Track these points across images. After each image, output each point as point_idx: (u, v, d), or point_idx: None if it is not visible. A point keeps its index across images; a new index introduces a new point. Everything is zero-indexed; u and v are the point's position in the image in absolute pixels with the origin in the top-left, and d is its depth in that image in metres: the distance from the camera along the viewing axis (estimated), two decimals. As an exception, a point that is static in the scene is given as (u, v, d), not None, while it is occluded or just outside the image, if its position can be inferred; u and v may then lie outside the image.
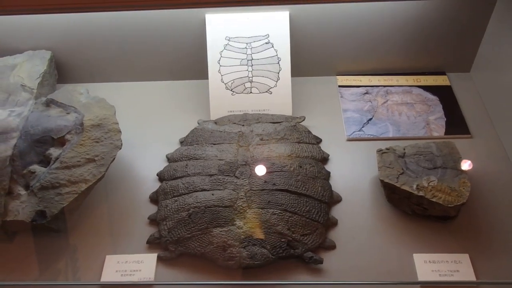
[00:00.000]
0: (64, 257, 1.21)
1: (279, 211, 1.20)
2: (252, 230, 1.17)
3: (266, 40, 1.51)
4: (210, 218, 1.20)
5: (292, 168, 1.30)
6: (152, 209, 1.30)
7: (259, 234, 1.17)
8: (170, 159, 1.41)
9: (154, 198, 1.32)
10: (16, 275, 1.18)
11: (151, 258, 1.19)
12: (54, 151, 1.28)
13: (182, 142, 1.46)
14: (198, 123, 1.50)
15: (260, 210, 1.20)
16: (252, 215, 1.19)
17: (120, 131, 1.31)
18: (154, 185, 1.35)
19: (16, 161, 1.25)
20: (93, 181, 1.22)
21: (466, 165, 1.25)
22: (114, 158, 1.27)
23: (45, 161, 1.27)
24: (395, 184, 1.21)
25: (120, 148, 1.28)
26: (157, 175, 1.38)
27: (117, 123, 1.33)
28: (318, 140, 1.45)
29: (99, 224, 1.28)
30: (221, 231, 1.18)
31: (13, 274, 1.18)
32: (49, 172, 1.23)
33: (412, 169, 1.25)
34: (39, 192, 1.21)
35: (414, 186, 1.20)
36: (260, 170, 1.29)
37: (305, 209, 1.22)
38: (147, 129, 1.51)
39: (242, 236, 1.16)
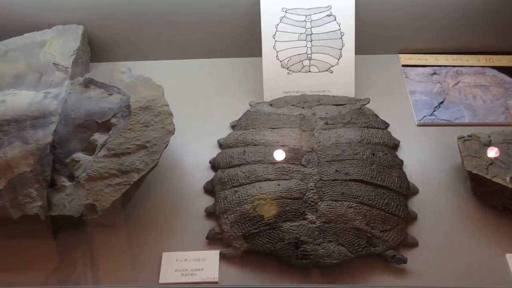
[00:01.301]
0: (116, 255, 1.14)
1: (356, 204, 1.13)
2: (326, 225, 1.10)
3: (328, 12, 1.42)
4: (278, 211, 1.12)
5: (364, 156, 1.22)
6: (208, 200, 1.23)
7: (335, 229, 1.09)
8: (223, 145, 1.33)
9: (209, 188, 1.25)
10: (59, 276, 1.11)
11: (213, 255, 1.12)
12: (99, 137, 1.21)
13: (234, 126, 1.39)
14: (250, 105, 1.43)
15: (334, 202, 1.13)
16: (325, 208, 1.12)
17: (171, 114, 1.24)
18: (207, 174, 1.29)
19: (58, 149, 1.19)
20: (146, 170, 1.15)
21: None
22: (167, 144, 1.19)
23: (90, 148, 1.20)
24: (485, 176, 1.13)
25: (173, 133, 1.21)
26: (210, 162, 1.31)
27: (168, 105, 1.25)
28: (386, 125, 1.37)
29: (151, 217, 1.21)
30: (291, 226, 1.10)
31: (56, 275, 1.11)
32: (96, 160, 1.16)
33: (502, 159, 1.16)
34: (86, 183, 1.14)
35: (508, 179, 1.12)
36: (330, 157, 1.22)
37: (384, 202, 1.15)
38: (194, 112, 1.44)
39: (316, 232, 1.09)
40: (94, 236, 1.17)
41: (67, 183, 1.15)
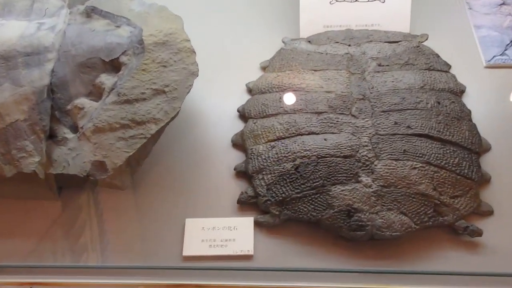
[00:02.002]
0: (130, 222, 1.02)
1: (421, 164, 0.98)
2: (385, 189, 0.93)
3: None
4: (326, 172, 0.97)
5: (429, 105, 1.06)
6: (237, 156, 1.09)
7: (395, 195, 0.93)
8: (253, 90, 1.18)
9: (239, 142, 1.11)
10: (61, 246, 0.98)
11: (247, 223, 0.98)
12: (106, 79, 1.07)
13: (266, 68, 1.23)
14: (283, 42, 1.27)
15: (394, 162, 0.97)
16: (383, 169, 0.96)
17: (194, 52, 1.08)
18: (235, 124, 1.15)
19: (57, 93, 1.05)
20: (165, 120, 1.01)
21: None
22: (190, 89, 1.04)
23: (96, 93, 1.07)
24: None
25: (197, 75, 1.05)
26: (239, 111, 1.16)
27: (189, 40, 1.10)
28: (448, 67, 1.19)
29: (171, 177, 1.08)
30: (342, 190, 0.95)
31: (58, 244, 0.98)
32: (104, 108, 1.02)
33: None
34: (93, 135, 1.00)
35: None
36: (387, 106, 1.05)
37: (454, 161, 0.98)
38: (217, 51, 1.30)
39: (373, 198, 0.92)
40: (103, 199, 1.04)
41: (70, 135, 1.02)
